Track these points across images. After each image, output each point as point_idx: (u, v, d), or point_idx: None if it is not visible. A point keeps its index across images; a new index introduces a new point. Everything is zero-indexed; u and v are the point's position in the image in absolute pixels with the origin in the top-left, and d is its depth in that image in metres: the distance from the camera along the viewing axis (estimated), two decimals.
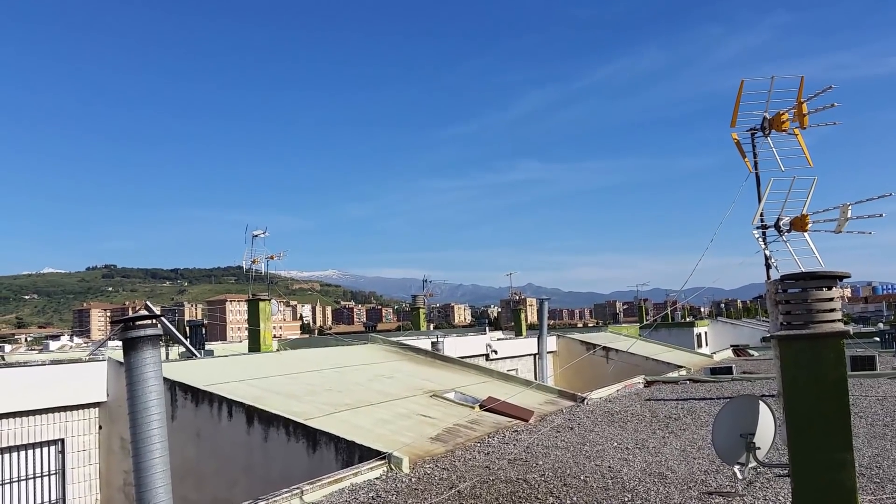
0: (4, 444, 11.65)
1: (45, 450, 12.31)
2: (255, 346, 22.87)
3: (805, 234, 6.48)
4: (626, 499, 7.85)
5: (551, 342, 31.29)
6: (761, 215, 6.52)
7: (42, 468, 12.24)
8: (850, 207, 6.38)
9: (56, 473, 12.43)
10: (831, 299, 5.67)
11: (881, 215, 6.42)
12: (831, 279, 5.72)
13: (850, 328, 5.93)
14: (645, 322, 57.70)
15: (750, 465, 7.03)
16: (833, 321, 5.64)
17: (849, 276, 5.93)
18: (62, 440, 12.52)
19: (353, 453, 10.06)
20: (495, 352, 27.15)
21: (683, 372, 24.71)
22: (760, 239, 6.51)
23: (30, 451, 12.08)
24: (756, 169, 6.58)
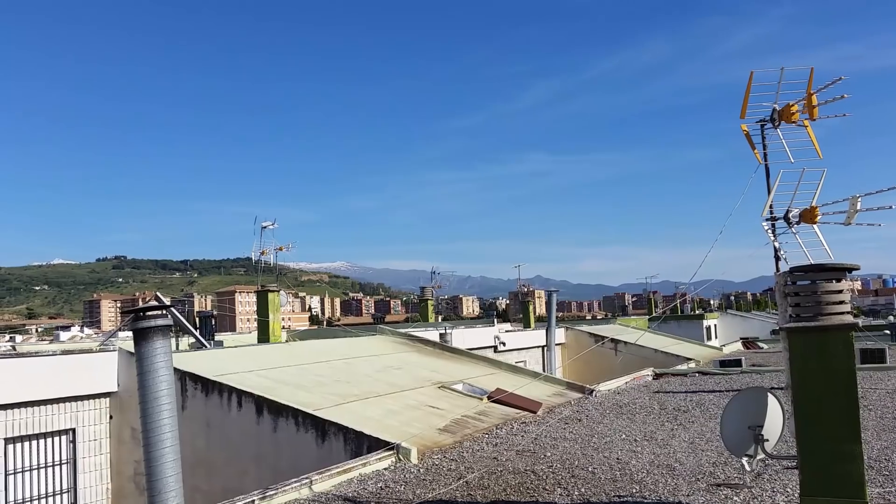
0: (17, 434, 11.75)
1: (57, 439, 12.42)
2: (264, 337, 22.95)
3: (814, 226, 6.46)
4: (634, 490, 7.86)
5: (560, 334, 31.31)
6: (770, 207, 6.51)
7: (53, 457, 12.34)
8: (859, 199, 6.35)
9: (67, 463, 12.54)
10: (840, 291, 5.66)
11: (891, 207, 6.39)
12: (840, 271, 5.71)
13: (860, 321, 5.92)
14: (654, 314, 57.62)
15: (758, 457, 7.03)
16: (842, 313, 5.64)
17: (858, 269, 5.92)
18: (73, 430, 12.62)
19: (361, 444, 10.11)
20: (503, 343, 27.19)
21: (693, 364, 24.69)
22: (770, 231, 6.49)
23: (41, 441, 12.19)
24: (765, 161, 6.55)
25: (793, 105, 6.44)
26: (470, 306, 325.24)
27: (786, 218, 6.52)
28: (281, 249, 25.39)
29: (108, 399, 13.11)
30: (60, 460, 12.46)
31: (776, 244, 6.44)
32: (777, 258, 6.41)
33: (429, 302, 40.04)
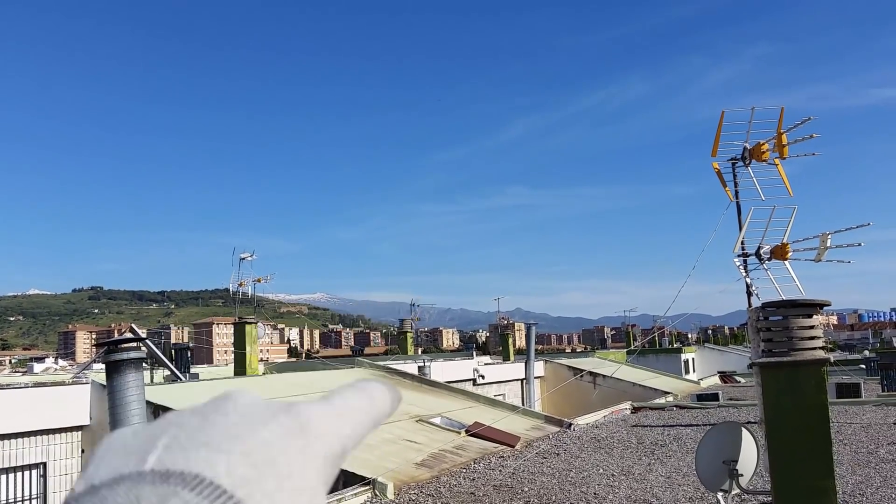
0: None
1: (27, 473, 12.17)
2: (240, 369, 22.74)
3: (785, 262, 6.55)
4: None
5: (539, 367, 31.25)
6: (742, 243, 6.60)
7: (23, 492, 12.09)
8: (829, 237, 6.47)
9: (37, 498, 12.28)
10: (812, 327, 5.73)
11: (860, 244, 6.51)
12: (812, 307, 5.78)
13: (832, 356, 5.99)
14: (632, 347, 57.70)
15: (733, 493, 7.04)
16: (814, 349, 5.70)
17: (829, 305, 6.00)
18: (44, 464, 12.38)
19: (336, 479, 9.99)
20: (482, 377, 27.09)
21: (670, 398, 24.74)
22: (741, 267, 6.58)
23: (11, 475, 11.94)
24: (737, 198, 6.66)
25: (763, 144, 6.56)
26: (450, 339, 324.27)
27: (757, 254, 6.61)
28: (259, 281, 25.28)
29: (80, 433, 12.90)
30: (30, 495, 12.20)
31: (748, 280, 6.52)
32: (749, 294, 6.49)
33: (408, 334, 39.90)
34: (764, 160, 6.53)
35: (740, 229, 6.54)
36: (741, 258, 6.57)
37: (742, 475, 6.98)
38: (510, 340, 40.70)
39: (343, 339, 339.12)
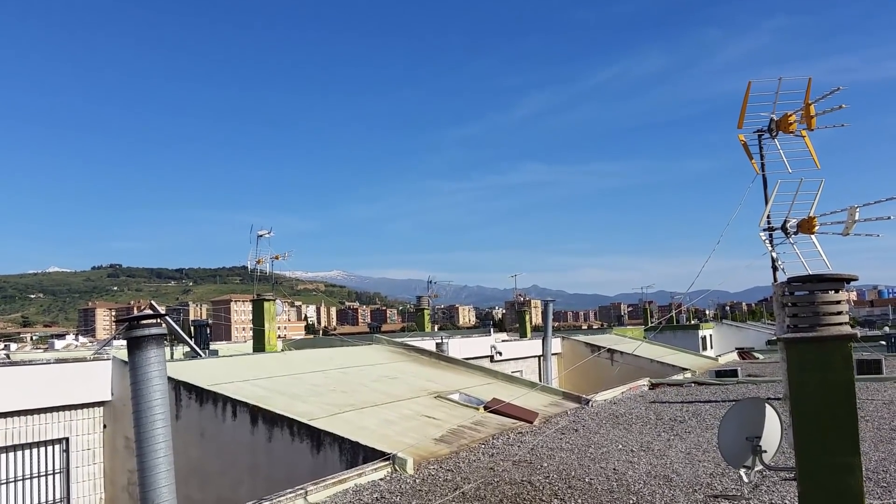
0: (9, 443, 11.67)
1: (50, 448, 12.33)
2: (259, 346, 22.88)
3: (812, 236, 6.44)
4: (631, 501, 7.82)
5: (556, 344, 31.26)
6: (768, 217, 6.49)
7: (46, 467, 12.25)
8: (857, 210, 6.35)
9: (60, 472, 12.44)
10: (838, 302, 5.63)
11: (889, 218, 6.38)
12: (839, 282, 5.67)
13: (858, 331, 5.88)
14: (650, 324, 57.57)
15: (756, 469, 7.00)
16: (840, 324, 5.60)
17: (856, 279, 5.88)
18: (66, 439, 12.53)
19: (357, 454, 10.05)
20: (500, 353, 27.14)
21: (688, 374, 24.65)
22: (767, 241, 6.47)
23: (34, 450, 12.10)
24: (763, 171, 6.55)
25: (790, 115, 6.43)
26: (466, 316, 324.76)
27: (784, 228, 6.50)
28: (277, 258, 25.35)
29: (101, 408, 13.03)
30: (53, 470, 12.36)
31: (774, 254, 6.42)
32: (775, 268, 6.39)
33: (425, 311, 39.97)
34: (791, 132, 6.40)
35: (766, 202, 6.43)
36: (767, 232, 6.46)
37: (765, 451, 6.93)
38: (527, 317, 40.70)
39: (360, 317, 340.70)
